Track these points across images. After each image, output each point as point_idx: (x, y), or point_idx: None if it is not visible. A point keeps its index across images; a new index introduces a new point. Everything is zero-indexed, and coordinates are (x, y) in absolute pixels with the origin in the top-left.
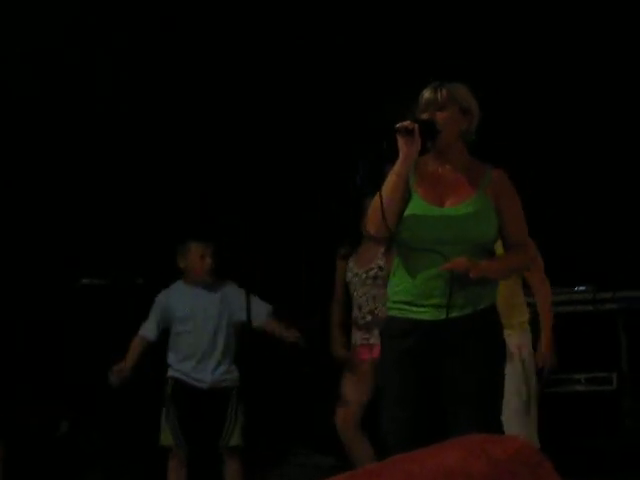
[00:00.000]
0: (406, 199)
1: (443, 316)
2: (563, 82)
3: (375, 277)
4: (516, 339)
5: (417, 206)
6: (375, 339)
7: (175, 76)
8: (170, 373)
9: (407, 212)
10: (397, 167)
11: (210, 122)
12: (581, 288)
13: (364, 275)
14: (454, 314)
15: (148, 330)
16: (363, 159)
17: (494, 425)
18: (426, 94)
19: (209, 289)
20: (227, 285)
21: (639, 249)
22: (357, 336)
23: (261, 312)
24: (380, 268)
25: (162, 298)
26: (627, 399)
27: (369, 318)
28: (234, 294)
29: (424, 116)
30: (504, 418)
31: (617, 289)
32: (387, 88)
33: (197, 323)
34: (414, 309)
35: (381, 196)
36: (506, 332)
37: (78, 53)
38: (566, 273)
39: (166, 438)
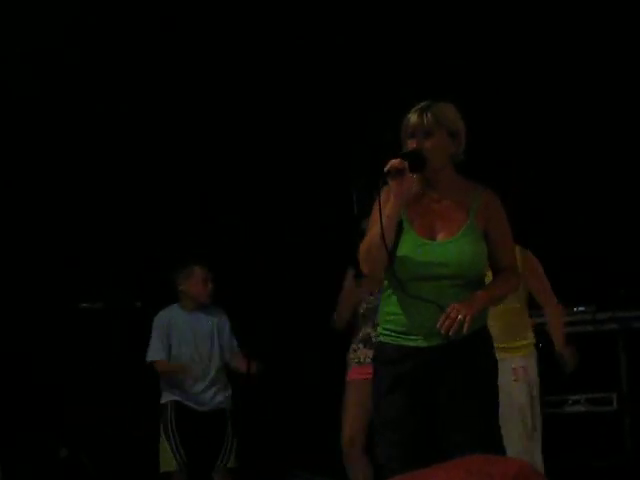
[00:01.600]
0: (397, 234)
1: (435, 342)
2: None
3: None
4: (521, 361)
5: (410, 240)
6: None
7: (174, 80)
8: (168, 398)
9: (400, 246)
10: (390, 209)
11: (208, 128)
12: (581, 308)
13: (372, 297)
14: (446, 340)
15: (160, 351)
16: (357, 188)
17: (495, 446)
18: (412, 118)
19: (206, 313)
20: (218, 310)
21: (638, 269)
22: (365, 354)
23: (233, 346)
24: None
25: (164, 320)
26: (628, 419)
27: None
28: (223, 320)
29: (410, 143)
30: (507, 441)
31: (616, 309)
32: (385, 94)
33: (196, 346)
34: (406, 337)
35: (379, 231)
36: (511, 354)
37: (78, 53)
38: (566, 293)
39: (167, 464)
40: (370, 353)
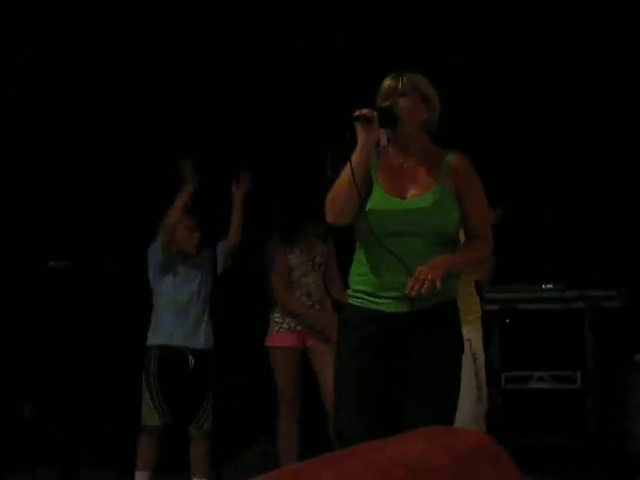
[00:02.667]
0: (367, 188)
1: (405, 309)
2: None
3: (320, 265)
4: (467, 334)
5: (378, 198)
6: None
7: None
8: (152, 341)
9: (368, 203)
10: (355, 155)
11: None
12: (549, 286)
13: (310, 262)
14: (416, 307)
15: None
16: (330, 149)
17: (449, 417)
18: (387, 82)
19: (191, 263)
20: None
21: (607, 248)
22: (295, 322)
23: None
24: (322, 255)
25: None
26: (590, 397)
27: (317, 307)
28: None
29: (386, 103)
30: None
31: (585, 288)
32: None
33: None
34: (375, 300)
35: (347, 181)
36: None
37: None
38: (534, 271)
39: (149, 418)
40: (293, 323)
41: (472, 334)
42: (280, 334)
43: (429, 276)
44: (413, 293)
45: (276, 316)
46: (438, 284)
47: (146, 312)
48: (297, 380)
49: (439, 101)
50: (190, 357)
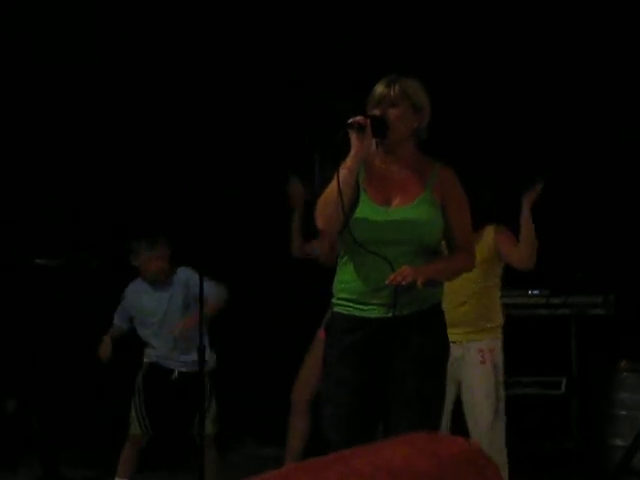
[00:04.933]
0: (355, 196)
1: (389, 314)
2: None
3: None
4: (489, 343)
5: (364, 206)
6: None
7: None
8: (145, 359)
9: (356, 211)
10: (348, 162)
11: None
12: (535, 292)
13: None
14: (400, 312)
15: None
16: (319, 152)
17: (434, 422)
18: (379, 88)
19: (161, 287)
20: (178, 271)
21: (593, 255)
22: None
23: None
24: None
25: (126, 293)
26: (575, 403)
27: None
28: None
29: (376, 111)
30: (474, 420)
31: (570, 294)
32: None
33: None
34: (360, 307)
35: (337, 189)
36: (479, 336)
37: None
38: (520, 276)
39: (132, 426)
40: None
41: (492, 344)
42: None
43: (412, 274)
44: (392, 282)
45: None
46: (419, 283)
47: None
48: None
49: (430, 109)
50: (175, 370)
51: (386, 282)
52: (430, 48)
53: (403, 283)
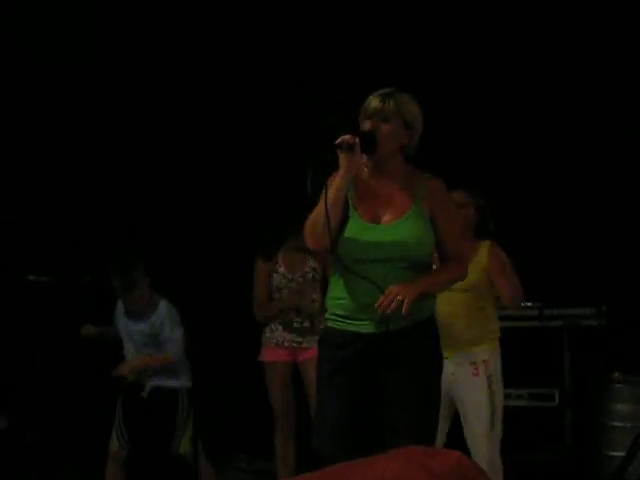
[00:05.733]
0: (344, 213)
1: (382, 329)
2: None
3: (313, 279)
4: (481, 354)
5: (354, 223)
6: (307, 344)
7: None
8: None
9: (346, 231)
10: (337, 181)
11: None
12: (527, 304)
13: (301, 279)
14: (392, 327)
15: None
16: (311, 168)
17: (428, 436)
18: (373, 102)
19: (138, 317)
20: (159, 306)
21: (586, 267)
22: (283, 337)
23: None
24: (315, 270)
25: (116, 307)
26: (569, 415)
27: (307, 324)
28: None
29: (367, 124)
30: (470, 431)
31: (563, 306)
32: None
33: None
34: (352, 322)
35: (324, 209)
36: (475, 348)
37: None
38: None
39: (112, 442)
40: (287, 336)
41: (485, 355)
42: (269, 349)
43: (399, 296)
44: (380, 310)
45: (266, 332)
46: (405, 304)
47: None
48: (288, 394)
49: (422, 127)
50: (146, 388)
51: (375, 306)
52: (429, 49)
53: (388, 311)
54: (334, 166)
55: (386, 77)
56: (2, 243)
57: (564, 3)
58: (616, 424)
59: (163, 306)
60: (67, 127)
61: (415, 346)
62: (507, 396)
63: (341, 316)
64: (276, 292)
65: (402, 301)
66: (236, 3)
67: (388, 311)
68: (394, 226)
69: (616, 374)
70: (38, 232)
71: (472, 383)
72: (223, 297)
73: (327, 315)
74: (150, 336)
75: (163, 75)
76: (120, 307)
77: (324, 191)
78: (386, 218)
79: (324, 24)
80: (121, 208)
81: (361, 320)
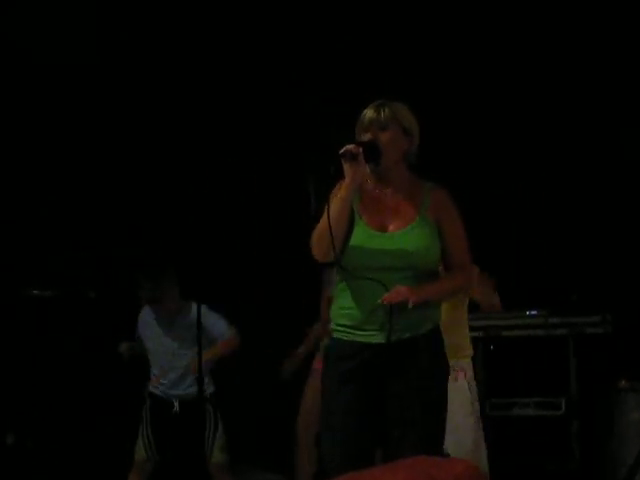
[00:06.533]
0: (350, 223)
1: (387, 340)
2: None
3: None
4: (459, 364)
5: (361, 232)
6: None
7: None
8: (148, 389)
9: (352, 239)
10: (342, 192)
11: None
12: (533, 312)
13: None
14: (398, 337)
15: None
16: (314, 181)
17: (436, 446)
18: (368, 113)
19: (168, 324)
20: (191, 309)
21: (591, 275)
22: None
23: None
24: None
25: (138, 320)
26: (575, 424)
27: None
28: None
29: (366, 136)
30: (457, 440)
31: (568, 314)
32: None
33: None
34: (360, 333)
35: (327, 220)
36: (451, 360)
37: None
38: (518, 297)
39: (138, 452)
40: None
41: (462, 365)
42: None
43: (406, 294)
44: (385, 301)
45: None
46: (410, 304)
47: (128, 339)
48: None
49: (419, 132)
50: (175, 403)
51: (379, 300)
52: (428, 49)
53: (393, 302)
54: (336, 179)
55: (386, 77)
56: (5, 258)
57: (564, 3)
58: (623, 432)
59: (193, 306)
60: (67, 127)
61: (421, 357)
62: (513, 405)
63: (348, 326)
64: None
65: (406, 299)
66: (236, 3)
67: (393, 302)
68: (401, 234)
69: (622, 382)
70: (38, 234)
71: (453, 388)
72: (223, 297)
73: (334, 326)
74: (185, 340)
75: (163, 75)
76: (146, 317)
77: (327, 203)
78: (392, 227)
79: (324, 25)
80: (121, 208)
81: (368, 330)
